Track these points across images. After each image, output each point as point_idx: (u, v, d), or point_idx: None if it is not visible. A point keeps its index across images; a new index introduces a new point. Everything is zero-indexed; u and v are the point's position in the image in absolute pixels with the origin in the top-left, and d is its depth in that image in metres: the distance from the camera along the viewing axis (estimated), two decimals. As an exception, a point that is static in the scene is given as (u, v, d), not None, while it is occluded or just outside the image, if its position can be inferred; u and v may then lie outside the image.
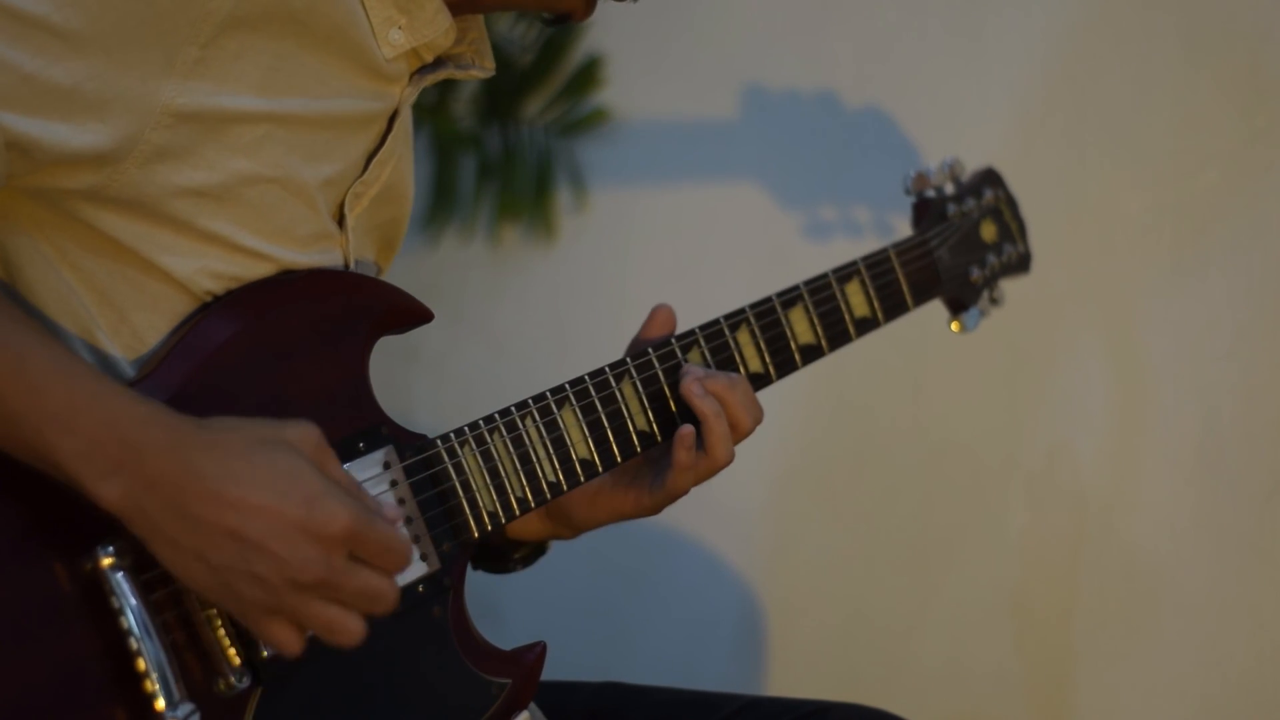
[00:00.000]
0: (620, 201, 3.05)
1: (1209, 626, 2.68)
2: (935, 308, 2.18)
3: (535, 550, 1.98)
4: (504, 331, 3.14)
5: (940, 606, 2.88)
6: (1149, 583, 2.72)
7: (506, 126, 3.08)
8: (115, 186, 1.56)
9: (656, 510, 1.90)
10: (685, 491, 1.88)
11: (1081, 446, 2.76)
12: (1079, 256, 2.72)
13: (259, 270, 1.65)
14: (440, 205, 3.08)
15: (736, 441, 1.87)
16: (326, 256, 1.71)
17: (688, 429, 1.84)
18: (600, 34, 3.03)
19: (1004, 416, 2.82)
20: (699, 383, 1.85)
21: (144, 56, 1.54)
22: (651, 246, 3.04)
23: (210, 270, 1.63)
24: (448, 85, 3.06)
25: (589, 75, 3.03)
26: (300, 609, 1.50)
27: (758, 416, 1.89)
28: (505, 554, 1.97)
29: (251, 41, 1.59)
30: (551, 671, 1.83)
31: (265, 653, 1.58)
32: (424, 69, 1.78)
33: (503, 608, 2.98)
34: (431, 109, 3.05)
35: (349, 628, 1.52)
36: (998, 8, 2.77)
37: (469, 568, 1.85)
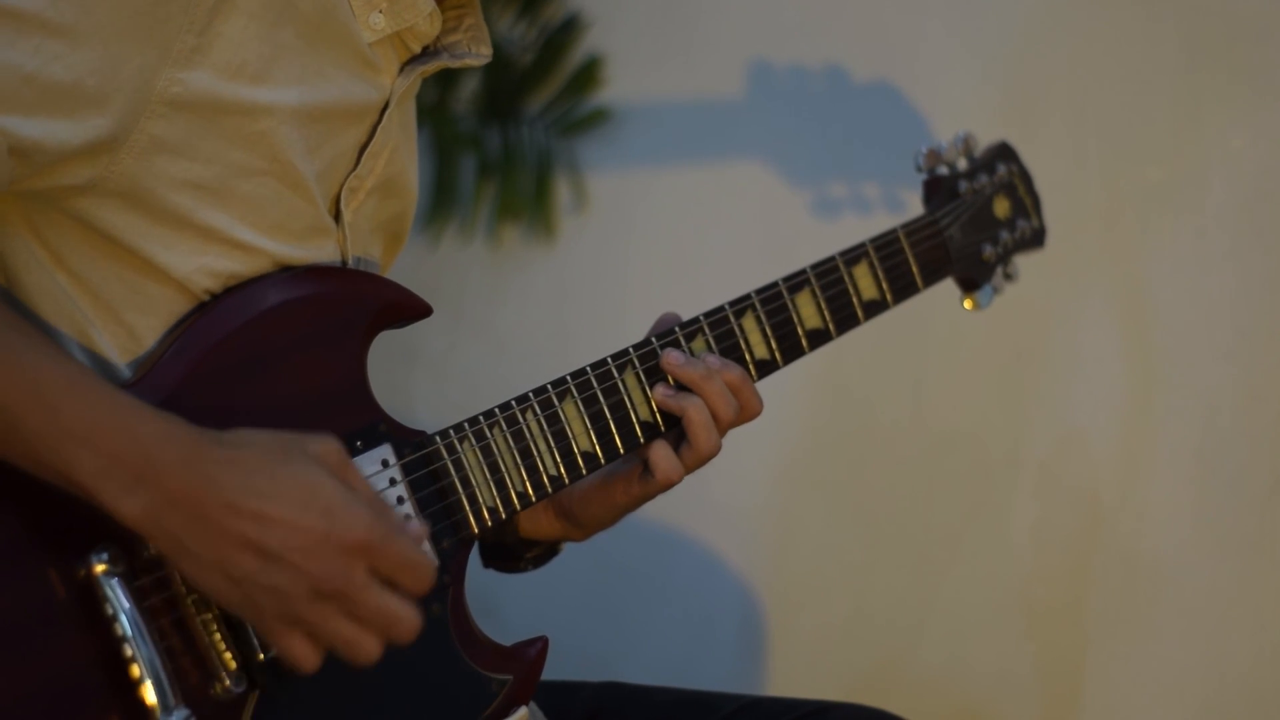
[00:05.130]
0: (621, 200, 3.05)
1: (1209, 626, 2.68)
2: (946, 293, 2.16)
3: (547, 551, 1.97)
4: (504, 331, 3.14)
5: (944, 603, 2.88)
6: (1151, 581, 2.72)
7: (506, 126, 3.07)
8: (113, 179, 1.56)
9: (648, 499, 1.87)
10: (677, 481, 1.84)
11: (1084, 440, 2.76)
12: (1078, 251, 2.71)
13: (255, 266, 1.65)
14: (440, 205, 3.08)
15: (724, 431, 1.84)
16: (322, 251, 1.70)
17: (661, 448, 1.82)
18: (600, 34, 3.03)
19: (1005, 409, 2.82)
20: (667, 385, 1.82)
21: (140, 46, 1.53)
22: (652, 245, 3.03)
23: (207, 268, 1.62)
24: (447, 85, 3.06)
25: (589, 75, 3.03)
26: (319, 622, 1.50)
27: (745, 407, 1.85)
28: (517, 553, 1.95)
29: (247, 29, 1.59)
30: (552, 671, 1.83)
31: (262, 655, 1.58)
32: (415, 60, 1.77)
33: (503, 607, 2.98)
34: (431, 108, 3.05)
35: (365, 648, 1.52)
36: (998, 6, 2.77)
37: (481, 566, 1.84)
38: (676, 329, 1.86)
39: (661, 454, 1.82)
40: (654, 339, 1.84)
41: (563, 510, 1.90)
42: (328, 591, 1.49)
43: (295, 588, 1.48)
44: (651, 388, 1.82)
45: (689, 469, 1.84)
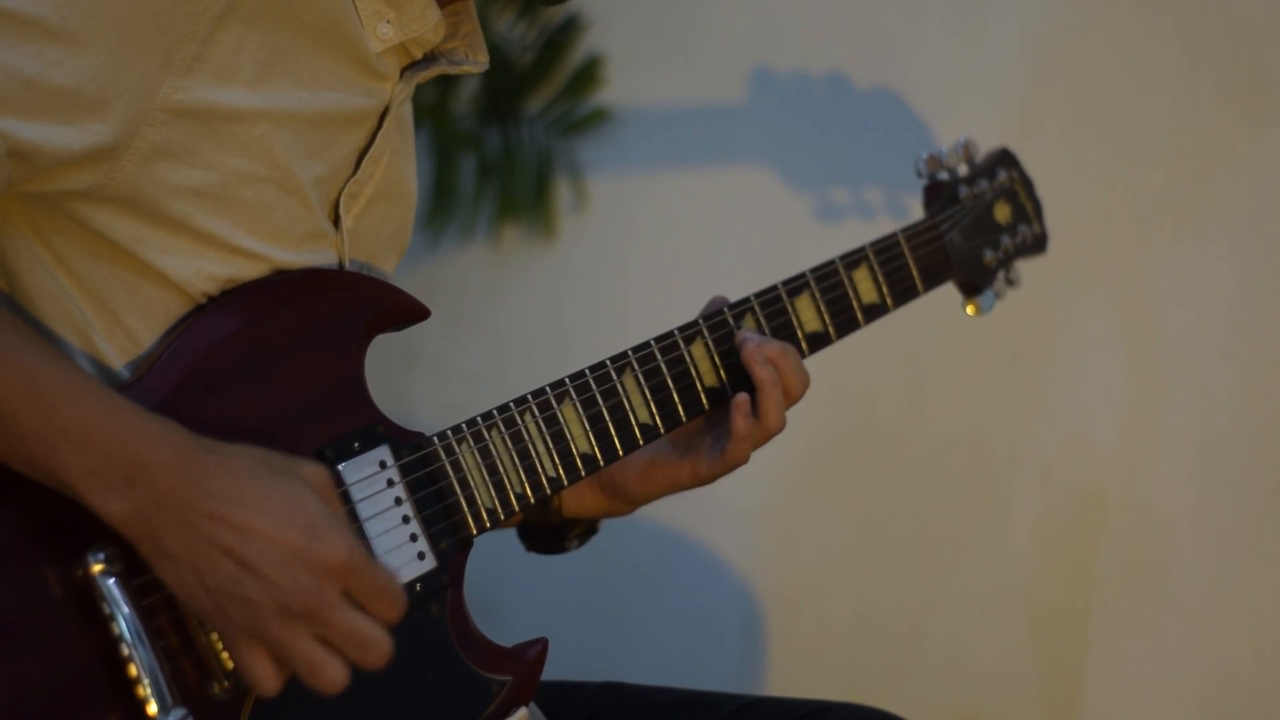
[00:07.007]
0: (621, 200, 3.05)
1: (1209, 626, 2.68)
2: (946, 293, 2.16)
3: (588, 529, 1.99)
4: (504, 331, 3.14)
5: (945, 603, 2.88)
6: (1151, 581, 2.72)
7: (506, 126, 3.08)
8: (113, 185, 1.56)
9: (712, 479, 1.90)
10: (745, 459, 1.87)
11: (1085, 441, 2.76)
12: (1078, 252, 2.71)
13: (254, 271, 1.65)
14: (440, 205, 3.08)
15: (787, 406, 1.88)
16: (319, 256, 1.70)
17: (743, 396, 1.85)
18: (600, 34, 3.03)
19: (1006, 410, 2.82)
20: (759, 349, 1.86)
21: (143, 54, 1.54)
22: (652, 245, 3.04)
23: (206, 272, 1.63)
24: (447, 85, 3.06)
25: (589, 75, 3.03)
26: (286, 641, 1.50)
27: (806, 382, 1.89)
28: (562, 534, 1.97)
29: (248, 36, 1.59)
30: (552, 671, 1.83)
31: None
32: (415, 65, 1.78)
33: (503, 607, 2.98)
34: (431, 109, 3.05)
35: (331, 673, 1.51)
36: (998, 6, 2.77)
37: (481, 566, 1.85)
38: (675, 333, 1.86)
39: (744, 422, 1.85)
40: (652, 341, 1.85)
41: (610, 487, 1.91)
42: (298, 609, 1.48)
43: (266, 600, 1.48)
44: (650, 390, 1.84)
45: (756, 444, 1.87)
